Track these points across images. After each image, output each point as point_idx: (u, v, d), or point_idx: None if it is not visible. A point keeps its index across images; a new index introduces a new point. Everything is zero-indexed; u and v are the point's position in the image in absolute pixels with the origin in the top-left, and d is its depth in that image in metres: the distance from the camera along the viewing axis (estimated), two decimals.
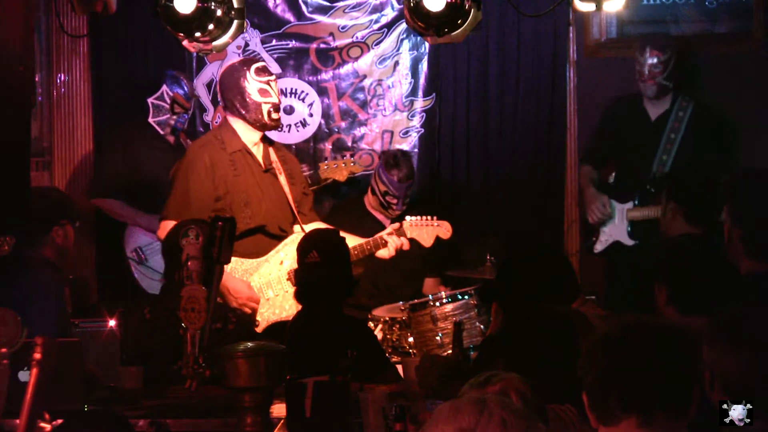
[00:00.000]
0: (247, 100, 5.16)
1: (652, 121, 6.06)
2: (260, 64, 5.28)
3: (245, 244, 5.17)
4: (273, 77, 5.28)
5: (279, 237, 5.26)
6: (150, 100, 6.11)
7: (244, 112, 5.18)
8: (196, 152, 5.23)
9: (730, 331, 2.72)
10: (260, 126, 5.23)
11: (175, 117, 6.13)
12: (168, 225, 4.96)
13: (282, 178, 5.32)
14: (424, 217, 5.49)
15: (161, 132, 6.13)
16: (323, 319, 4.48)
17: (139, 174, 6.06)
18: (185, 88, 6.17)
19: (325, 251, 4.52)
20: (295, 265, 5.12)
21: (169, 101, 6.10)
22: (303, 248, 4.59)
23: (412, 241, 5.50)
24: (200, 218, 4.65)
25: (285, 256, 5.25)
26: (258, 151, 5.30)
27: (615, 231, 6.10)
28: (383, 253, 5.39)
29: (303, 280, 4.57)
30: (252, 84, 5.17)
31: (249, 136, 5.25)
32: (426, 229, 5.49)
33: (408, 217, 5.48)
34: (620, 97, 6.18)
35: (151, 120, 6.11)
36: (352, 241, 5.26)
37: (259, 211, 5.22)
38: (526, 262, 4.18)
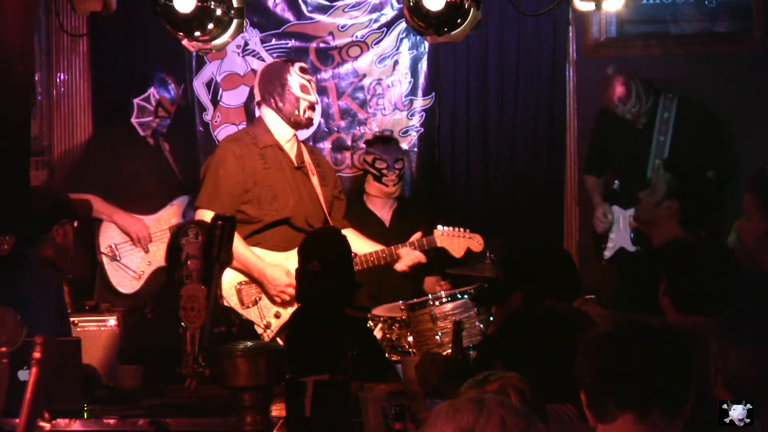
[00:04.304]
0: (287, 93, 5.30)
1: (640, 129, 6.07)
2: (303, 64, 5.45)
3: (270, 236, 5.29)
4: (313, 78, 5.47)
5: (306, 231, 5.27)
6: (136, 101, 6.09)
7: (281, 104, 5.31)
8: (226, 146, 5.38)
9: (735, 327, 2.74)
10: (293, 122, 5.35)
11: (157, 120, 6.12)
12: (203, 213, 5.09)
13: (314, 179, 5.40)
14: (456, 228, 5.56)
15: (142, 133, 6.12)
16: (323, 318, 4.48)
17: (117, 171, 6.06)
18: (172, 92, 6.15)
19: (327, 260, 4.50)
20: None
21: (154, 104, 6.09)
22: (304, 254, 4.57)
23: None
24: (232, 208, 4.97)
25: None
26: (291, 149, 5.40)
27: (620, 237, 6.14)
28: (399, 266, 5.45)
29: (303, 287, 4.56)
30: (294, 78, 5.32)
31: (282, 132, 5.36)
32: (457, 240, 5.55)
33: (439, 227, 5.53)
34: (600, 111, 6.18)
35: (133, 120, 6.09)
36: (369, 247, 5.41)
37: (285, 204, 5.30)
38: (528, 260, 4.20)
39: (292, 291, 5.18)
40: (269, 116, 5.37)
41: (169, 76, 6.23)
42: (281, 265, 5.26)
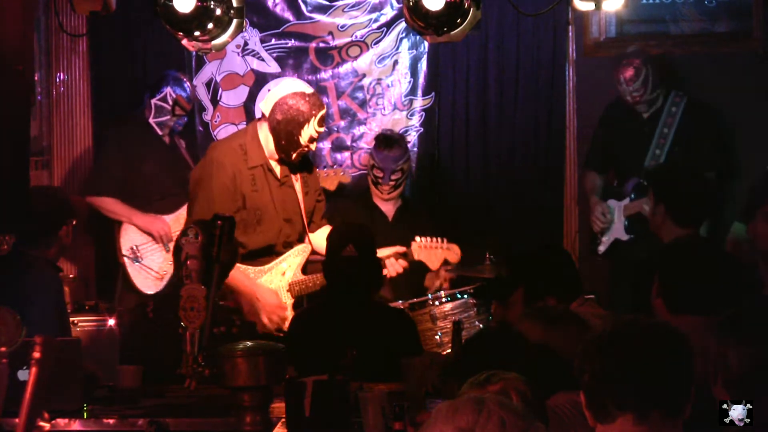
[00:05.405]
0: (296, 137, 5.09)
1: (645, 119, 6.06)
2: (325, 111, 5.20)
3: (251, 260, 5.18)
4: (324, 130, 5.29)
5: (283, 253, 5.25)
6: (153, 101, 6.11)
7: (283, 142, 5.11)
8: (220, 160, 5.14)
9: (735, 327, 2.74)
10: (284, 155, 5.16)
11: (174, 119, 6.15)
12: None
13: (298, 186, 5.28)
14: (433, 239, 5.43)
15: (159, 132, 6.15)
16: (355, 304, 4.50)
17: (134, 172, 6.07)
18: (187, 90, 6.18)
19: (362, 245, 4.54)
20: (298, 277, 5.14)
21: (171, 103, 6.11)
22: (337, 242, 4.58)
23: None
24: None
25: (288, 267, 5.24)
26: (276, 165, 5.22)
27: (615, 229, 6.12)
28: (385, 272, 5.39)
29: (337, 273, 4.56)
30: (309, 130, 5.10)
31: (272, 151, 5.19)
32: (434, 252, 5.43)
33: (417, 238, 5.44)
34: (611, 103, 6.16)
35: (151, 120, 6.12)
36: None
37: (270, 228, 5.19)
38: (531, 258, 4.22)
39: (283, 313, 5.13)
40: (265, 133, 5.17)
41: (183, 74, 6.25)
42: (269, 288, 5.17)
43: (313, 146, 5.20)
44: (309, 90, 5.22)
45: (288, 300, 5.19)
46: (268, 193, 5.19)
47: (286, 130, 5.09)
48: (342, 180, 6.27)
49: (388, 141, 5.96)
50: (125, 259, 6.02)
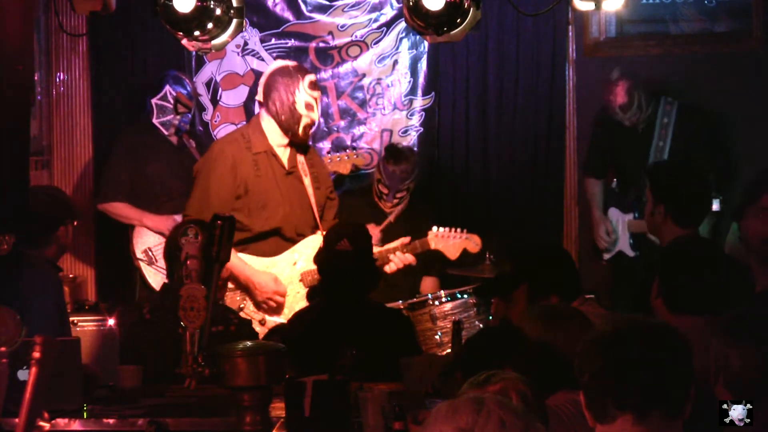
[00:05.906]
0: (291, 108, 5.18)
1: (639, 133, 6.04)
2: (313, 77, 5.30)
3: (259, 246, 5.20)
4: (319, 93, 5.32)
5: (295, 241, 5.26)
6: (154, 101, 6.12)
7: (282, 118, 5.21)
8: (221, 150, 5.26)
9: (736, 328, 2.74)
10: (291, 135, 5.25)
11: (178, 117, 6.15)
12: None
13: (307, 181, 5.32)
14: (452, 229, 5.46)
15: (165, 132, 6.15)
16: (349, 302, 4.49)
17: (142, 176, 6.08)
18: (188, 87, 6.18)
19: (357, 241, 4.53)
20: (310, 267, 5.14)
21: (172, 101, 6.11)
22: (332, 237, 4.58)
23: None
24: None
25: (299, 257, 5.25)
26: (284, 153, 5.30)
27: (619, 241, 6.12)
28: (389, 268, 5.39)
29: (331, 268, 4.55)
30: (302, 95, 5.19)
31: (277, 137, 5.27)
32: (453, 242, 5.46)
33: (434, 228, 5.46)
34: (604, 107, 6.14)
35: (155, 121, 6.13)
36: None
37: (275, 214, 5.23)
38: (536, 256, 4.22)
39: (279, 298, 5.17)
40: (267, 120, 5.27)
41: (182, 72, 6.25)
42: (269, 272, 5.21)
43: (314, 115, 5.24)
44: (291, 63, 5.37)
45: (301, 290, 5.20)
46: (272, 179, 5.24)
47: (280, 103, 5.18)
48: (356, 162, 6.23)
49: (397, 156, 5.86)
50: (140, 262, 6.04)
